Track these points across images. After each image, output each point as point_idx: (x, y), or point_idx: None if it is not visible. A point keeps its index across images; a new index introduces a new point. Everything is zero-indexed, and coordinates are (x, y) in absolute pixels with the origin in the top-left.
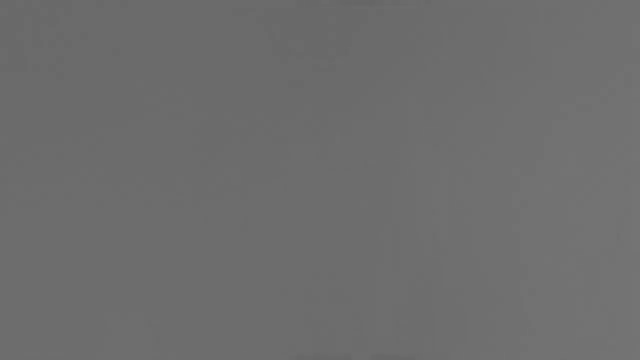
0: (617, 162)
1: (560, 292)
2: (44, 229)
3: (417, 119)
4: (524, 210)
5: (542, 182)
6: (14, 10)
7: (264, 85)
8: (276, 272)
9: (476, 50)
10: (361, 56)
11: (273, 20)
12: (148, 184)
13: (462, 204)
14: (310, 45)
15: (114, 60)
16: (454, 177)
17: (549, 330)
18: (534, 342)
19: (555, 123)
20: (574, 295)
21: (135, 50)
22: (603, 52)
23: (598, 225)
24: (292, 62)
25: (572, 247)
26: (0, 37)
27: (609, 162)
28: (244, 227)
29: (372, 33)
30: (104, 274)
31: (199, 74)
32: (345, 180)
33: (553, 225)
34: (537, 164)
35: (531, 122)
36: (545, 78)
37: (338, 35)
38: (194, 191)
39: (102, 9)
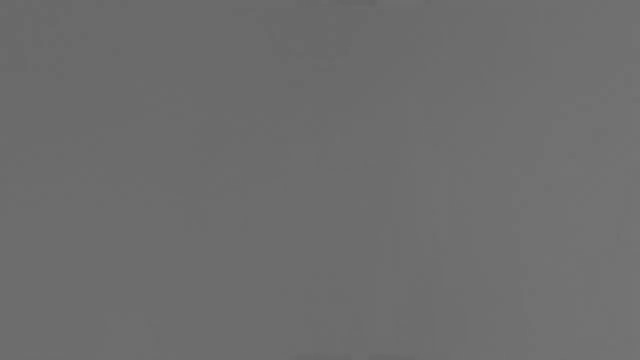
0: (617, 162)
1: (560, 292)
2: (44, 228)
3: (417, 119)
4: (524, 210)
5: (542, 182)
6: (14, 10)
7: (264, 85)
8: (276, 272)
9: (476, 51)
10: (361, 56)
11: (273, 20)
12: (148, 184)
13: (462, 204)
14: (310, 45)
15: (114, 60)
16: (454, 177)
17: (549, 330)
18: (534, 342)
19: (555, 123)
20: (574, 295)
21: (135, 50)
22: (603, 52)
23: (598, 225)
24: (292, 62)
25: (572, 247)
26: (0, 37)
27: (609, 162)
28: (244, 227)
29: (372, 33)
30: (104, 273)
31: (199, 74)
32: (345, 180)
33: (553, 225)
34: (537, 164)
35: (531, 122)
36: (545, 78)
37: (338, 35)
38: (194, 191)
39: (102, 9)
